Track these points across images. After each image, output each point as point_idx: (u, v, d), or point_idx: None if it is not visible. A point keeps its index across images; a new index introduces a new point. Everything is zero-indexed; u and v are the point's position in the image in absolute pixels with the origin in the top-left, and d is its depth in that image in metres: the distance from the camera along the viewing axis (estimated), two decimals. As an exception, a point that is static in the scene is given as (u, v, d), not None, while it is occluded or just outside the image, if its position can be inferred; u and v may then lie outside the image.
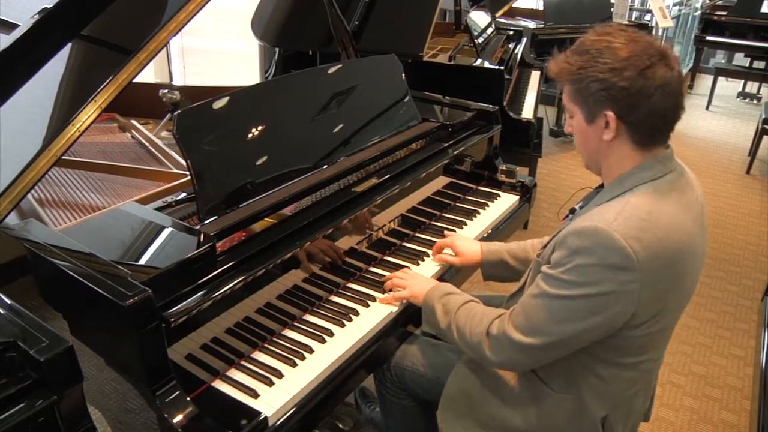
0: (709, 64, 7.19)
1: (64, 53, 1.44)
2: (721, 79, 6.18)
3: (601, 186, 1.22)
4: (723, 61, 7.02)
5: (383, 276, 1.57)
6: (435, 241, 1.74)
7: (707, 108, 6.11)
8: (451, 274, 1.64)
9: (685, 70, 7.23)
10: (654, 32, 5.50)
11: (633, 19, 5.49)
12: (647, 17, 5.81)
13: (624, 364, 1.15)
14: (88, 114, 1.25)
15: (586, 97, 1.08)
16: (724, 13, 6.06)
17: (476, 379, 1.32)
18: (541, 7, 4.73)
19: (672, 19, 5.50)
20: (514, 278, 1.54)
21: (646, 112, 1.05)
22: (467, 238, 1.65)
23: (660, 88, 1.03)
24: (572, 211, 1.27)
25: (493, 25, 3.81)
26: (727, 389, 2.36)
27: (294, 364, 1.26)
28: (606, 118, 1.07)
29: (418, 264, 1.64)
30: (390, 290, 1.50)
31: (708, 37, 6.10)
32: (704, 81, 6.87)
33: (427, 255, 1.68)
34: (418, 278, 1.48)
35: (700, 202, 1.15)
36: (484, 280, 1.62)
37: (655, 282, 1.04)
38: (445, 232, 1.77)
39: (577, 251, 1.04)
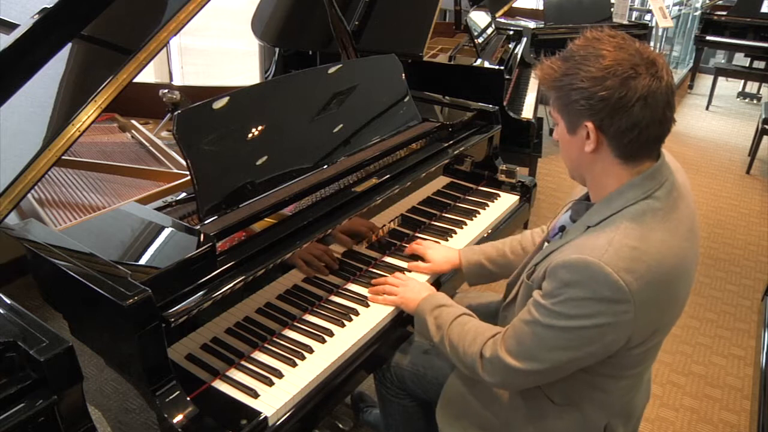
0: (709, 64, 7.19)
1: (64, 53, 1.44)
2: (721, 79, 6.18)
3: (588, 197, 1.19)
4: (723, 61, 7.02)
5: (383, 276, 1.57)
6: (436, 242, 1.74)
7: (707, 108, 6.11)
8: (447, 276, 1.63)
9: (685, 70, 7.24)
10: (654, 32, 5.50)
11: (633, 19, 5.49)
12: (647, 17, 5.81)
13: (625, 376, 1.15)
14: (88, 114, 1.25)
15: (567, 105, 1.04)
16: (724, 13, 6.06)
17: (475, 384, 1.32)
18: (541, 7, 4.73)
19: (672, 19, 5.50)
20: (496, 280, 1.55)
21: (627, 124, 0.99)
22: (442, 247, 1.63)
23: (642, 99, 0.98)
24: (561, 228, 1.23)
25: (493, 25, 3.81)
26: (727, 389, 2.36)
27: (294, 364, 1.26)
28: (586, 129, 1.03)
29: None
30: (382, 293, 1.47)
31: (708, 37, 6.10)
32: (704, 81, 6.87)
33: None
34: (411, 284, 1.45)
35: (692, 210, 1.12)
36: (469, 286, 1.61)
37: (649, 308, 1.02)
38: (415, 243, 1.67)
39: (568, 284, 1.02)
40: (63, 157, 1.24)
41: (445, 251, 1.60)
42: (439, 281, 1.61)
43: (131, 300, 1.02)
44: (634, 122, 0.99)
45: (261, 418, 1.13)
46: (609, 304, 0.99)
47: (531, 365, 1.10)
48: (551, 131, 5.44)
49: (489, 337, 1.19)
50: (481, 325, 1.25)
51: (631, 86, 0.97)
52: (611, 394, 1.17)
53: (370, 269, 1.61)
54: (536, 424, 1.23)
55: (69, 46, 1.45)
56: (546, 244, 1.27)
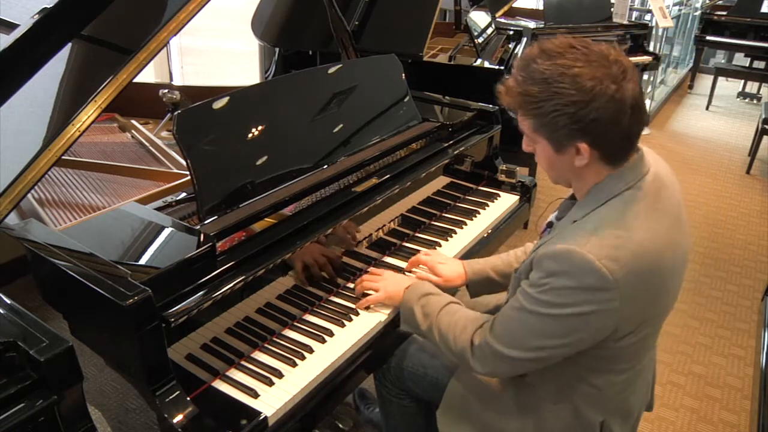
0: (709, 64, 7.19)
1: (64, 53, 1.44)
2: (721, 79, 6.18)
3: (574, 196, 1.20)
4: (723, 61, 7.02)
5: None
6: (436, 242, 1.74)
7: (707, 108, 6.11)
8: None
9: (685, 70, 7.25)
10: (654, 32, 5.50)
11: (633, 19, 5.49)
12: (647, 17, 5.80)
13: (616, 370, 1.15)
14: (88, 114, 1.25)
15: (554, 131, 1.04)
16: (724, 13, 6.06)
17: (475, 386, 1.32)
18: (541, 7, 4.73)
19: (672, 19, 5.49)
20: (500, 291, 1.52)
21: (620, 134, 1.03)
22: (447, 259, 1.58)
23: (630, 108, 1.00)
24: (549, 224, 1.26)
25: (493, 25, 3.81)
26: (727, 389, 2.36)
27: (294, 364, 1.26)
28: (577, 148, 1.04)
29: (418, 264, 1.64)
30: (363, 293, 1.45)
31: (708, 37, 6.10)
32: (704, 81, 6.87)
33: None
34: (389, 277, 1.45)
35: (678, 199, 1.13)
36: (471, 298, 1.56)
37: (634, 297, 1.03)
38: (422, 252, 1.63)
39: (553, 274, 1.03)
40: (63, 157, 1.24)
41: (452, 264, 1.55)
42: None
43: (131, 300, 1.02)
44: (626, 131, 1.03)
45: (261, 418, 1.13)
46: (593, 292, 1.00)
47: (518, 352, 1.11)
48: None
49: (478, 326, 1.20)
50: (470, 314, 1.26)
51: (618, 100, 0.99)
52: (604, 390, 1.17)
53: (371, 269, 1.61)
54: (533, 423, 1.23)
55: (69, 46, 1.45)
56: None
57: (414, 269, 1.59)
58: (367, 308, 1.44)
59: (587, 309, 1.02)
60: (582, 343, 1.07)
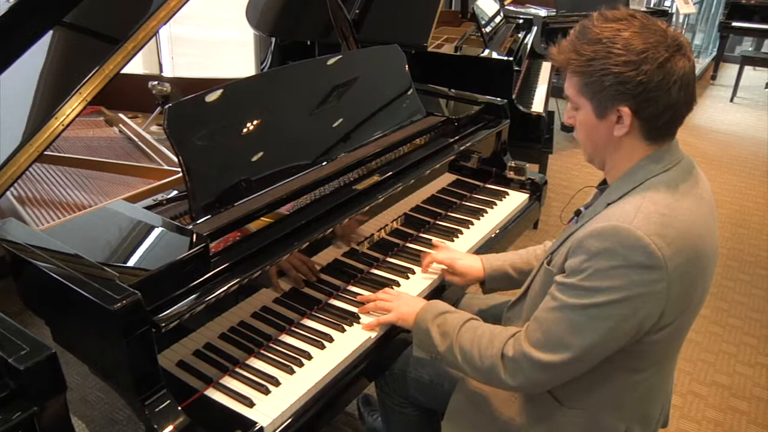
0: (734, 53, 7.16)
1: (45, 42, 1.44)
2: (747, 69, 6.15)
3: (604, 182, 1.22)
4: (750, 49, 6.98)
5: (385, 278, 1.57)
6: (441, 242, 1.74)
7: (731, 100, 6.10)
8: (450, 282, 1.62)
9: (707, 60, 7.23)
10: (675, 19, 5.49)
11: (652, 5, 5.49)
12: (667, 3, 5.80)
13: (643, 370, 1.15)
14: (72, 107, 1.26)
15: (599, 91, 1.07)
16: (753, -5, 6.01)
17: (482, 395, 1.31)
18: (552, -6, 4.73)
19: (694, 4, 5.49)
20: (516, 288, 1.51)
21: (663, 107, 1.05)
22: (465, 255, 1.59)
23: (678, 81, 1.03)
24: (577, 212, 1.26)
25: (501, 14, 3.81)
26: (754, 401, 2.35)
27: (291, 372, 1.27)
28: (619, 113, 1.07)
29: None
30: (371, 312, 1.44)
31: (734, 23, 6.04)
32: (728, 71, 6.85)
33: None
34: (404, 298, 1.42)
35: (710, 191, 1.16)
36: (484, 293, 1.58)
37: (681, 279, 1.04)
38: (434, 241, 1.69)
39: (598, 254, 1.03)
40: (45, 153, 1.25)
41: (469, 259, 1.55)
42: (443, 287, 1.60)
43: (119, 304, 1.02)
44: (671, 104, 1.05)
45: (256, 428, 1.14)
46: (642, 271, 1.01)
47: (561, 355, 1.08)
48: (563, 126, 5.41)
49: (509, 337, 1.18)
50: (495, 328, 1.24)
51: (668, 69, 1.02)
52: (625, 393, 1.17)
53: (372, 271, 1.61)
54: (546, 431, 1.23)
55: (50, 33, 1.45)
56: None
57: (430, 269, 1.59)
58: (368, 313, 1.44)
59: (635, 292, 1.01)
60: (626, 337, 1.06)
